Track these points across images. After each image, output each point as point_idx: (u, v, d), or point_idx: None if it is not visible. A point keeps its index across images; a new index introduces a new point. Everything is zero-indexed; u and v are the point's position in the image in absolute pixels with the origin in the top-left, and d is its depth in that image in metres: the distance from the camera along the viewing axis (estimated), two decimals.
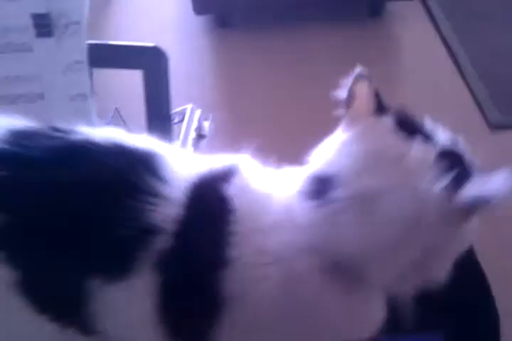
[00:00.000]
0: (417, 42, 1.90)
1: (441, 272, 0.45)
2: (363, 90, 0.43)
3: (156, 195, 0.42)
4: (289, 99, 1.58)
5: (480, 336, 0.63)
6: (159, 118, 0.61)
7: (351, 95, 0.43)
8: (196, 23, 1.87)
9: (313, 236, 0.42)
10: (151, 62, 0.68)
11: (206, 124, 1.22)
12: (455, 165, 0.42)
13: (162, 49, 0.68)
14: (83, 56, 0.60)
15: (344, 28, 1.87)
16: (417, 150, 0.41)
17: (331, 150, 0.44)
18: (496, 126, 1.64)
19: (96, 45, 0.62)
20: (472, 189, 0.39)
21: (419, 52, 1.86)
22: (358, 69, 0.44)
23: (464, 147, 0.47)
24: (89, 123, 0.49)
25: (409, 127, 0.44)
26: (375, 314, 0.48)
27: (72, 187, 0.42)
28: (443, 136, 0.47)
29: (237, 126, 1.49)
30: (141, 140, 0.47)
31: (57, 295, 0.41)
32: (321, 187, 0.42)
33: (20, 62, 0.60)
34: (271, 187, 0.46)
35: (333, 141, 0.45)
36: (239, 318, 0.42)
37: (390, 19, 1.95)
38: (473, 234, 0.45)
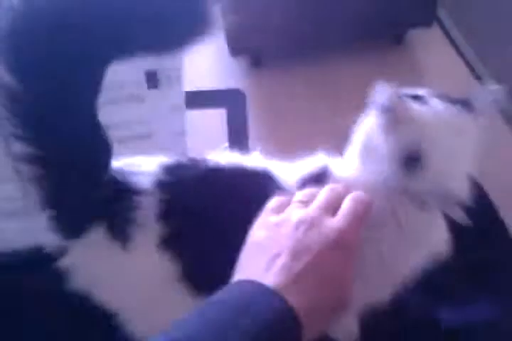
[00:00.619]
0: (440, 67, 2.02)
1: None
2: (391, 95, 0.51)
3: None
4: (326, 129, 1.71)
5: None
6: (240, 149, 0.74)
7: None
8: (232, 65, 2.03)
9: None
10: (233, 102, 0.81)
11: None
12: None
13: (242, 90, 0.82)
14: (182, 100, 0.74)
15: (370, 57, 2.01)
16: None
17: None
18: None
19: (190, 91, 0.77)
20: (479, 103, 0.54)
21: (443, 76, 1.98)
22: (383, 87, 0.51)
23: None
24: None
25: None
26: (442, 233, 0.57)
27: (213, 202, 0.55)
28: None
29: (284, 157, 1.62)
30: (251, 160, 0.60)
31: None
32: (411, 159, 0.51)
33: (132, 110, 0.74)
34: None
35: None
36: None
37: (412, 46, 2.09)
38: None
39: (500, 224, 0.81)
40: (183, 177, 0.56)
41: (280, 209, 0.50)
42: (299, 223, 0.46)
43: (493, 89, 0.55)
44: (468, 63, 1.99)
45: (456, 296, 0.74)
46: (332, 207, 0.48)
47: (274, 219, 0.48)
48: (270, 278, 0.42)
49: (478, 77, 1.92)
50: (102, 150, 0.54)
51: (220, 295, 0.42)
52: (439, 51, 2.07)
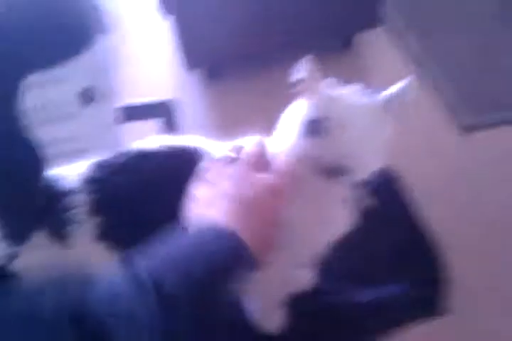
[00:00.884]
0: (388, 67, 2.10)
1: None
2: (313, 69, 0.61)
3: None
4: None
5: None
6: None
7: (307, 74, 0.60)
8: (189, 77, 2.09)
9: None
10: (169, 112, 0.88)
11: None
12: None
13: (173, 100, 0.89)
14: (115, 116, 0.81)
15: (320, 62, 2.08)
16: (348, 89, 0.61)
17: (303, 106, 0.61)
18: (467, 127, 1.85)
19: (126, 104, 0.84)
20: (388, 95, 0.60)
21: (391, 76, 2.06)
22: (307, 59, 0.61)
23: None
24: None
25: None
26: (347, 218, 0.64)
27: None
28: None
29: None
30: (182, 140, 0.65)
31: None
32: (313, 126, 0.58)
33: (68, 127, 0.81)
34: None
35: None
36: None
37: (361, 48, 2.17)
38: None
39: (409, 211, 0.88)
40: (109, 169, 0.62)
41: (215, 170, 0.59)
42: (236, 175, 0.57)
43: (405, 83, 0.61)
44: (417, 62, 2.08)
45: (369, 279, 0.81)
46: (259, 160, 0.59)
47: (211, 175, 0.58)
48: (221, 218, 0.52)
49: (427, 77, 2.00)
50: (33, 163, 0.61)
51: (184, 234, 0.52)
52: (388, 52, 2.15)
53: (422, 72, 2.02)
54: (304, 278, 0.80)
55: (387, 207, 0.86)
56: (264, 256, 0.55)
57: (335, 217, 0.64)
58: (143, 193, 0.62)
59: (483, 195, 1.66)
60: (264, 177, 0.57)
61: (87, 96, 0.78)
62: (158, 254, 0.50)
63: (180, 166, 0.64)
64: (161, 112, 0.89)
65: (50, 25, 0.53)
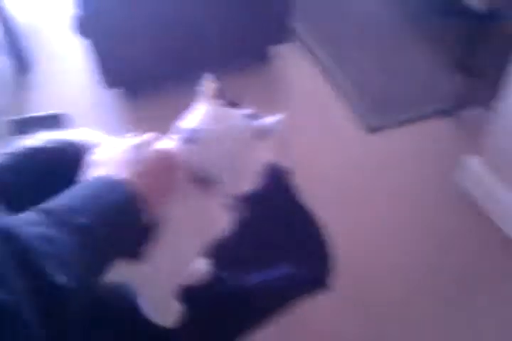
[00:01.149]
0: (303, 80, 2.23)
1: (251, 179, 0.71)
2: (210, 86, 0.72)
3: None
4: None
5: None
6: None
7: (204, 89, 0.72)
8: (107, 96, 2.12)
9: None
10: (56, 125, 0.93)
11: None
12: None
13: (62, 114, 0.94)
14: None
15: (237, 79, 2.16)
16: (234, 111, 0.70)
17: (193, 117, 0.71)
18: (373, 128, 1.99)
19: (17, 118, 0.88)
20: (259, 123, 0.68)
21: (304, 83, 2.21)
22: (207, 77, 0.72)
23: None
24: None
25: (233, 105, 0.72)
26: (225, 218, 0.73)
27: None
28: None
29: None
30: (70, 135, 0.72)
31: None
32: (191, 134, 0.69)
33: None
34: None
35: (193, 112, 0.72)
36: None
37: (276, 62, 2.28)
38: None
39: (294, 200, 0.98)
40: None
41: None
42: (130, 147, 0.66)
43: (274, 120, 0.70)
44: (329, 73, 2.22)
45: (260, 263, 0.88)
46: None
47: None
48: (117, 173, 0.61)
49: (339, 88, 2.15)
50: None
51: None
52: (300, 65, 2.29)
53: (332, 81, 2.17)
54: (198, 269, 0.86)
55: (274, 196, 0.93)
56: (158, 207, 0.64)
57: (212, 218, 0.72)
58: (33, 190, 0.66)
59: (378, 186, 1.80)
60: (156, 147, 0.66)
61: None
62: (62, 198, 0.57)
63: (67, 160, 0.69)
64: (52, 124, 0.94)
65: None
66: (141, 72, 2.07)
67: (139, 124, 1.90)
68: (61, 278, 0.49)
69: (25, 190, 0.68)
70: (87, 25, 1.89)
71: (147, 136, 0.70)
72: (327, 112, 2.07)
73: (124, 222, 0.59)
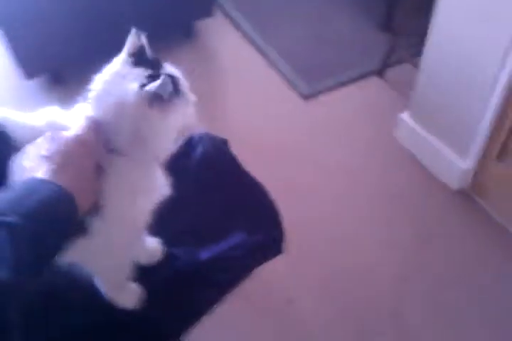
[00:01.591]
0: (231, 52, 2.22)
1: (164, 146, 0.70)
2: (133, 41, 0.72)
3: None
4: None
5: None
6: None
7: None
8: (30, 86, 2.03)
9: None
10: None
11: None
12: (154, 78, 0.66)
13: None
14: None
15: (166, 55, 2.12)
16: (135, 71, 0.68)
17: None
18: (306, 96, 2.01)
19: None
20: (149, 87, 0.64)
21: (234, 56, 2.19)
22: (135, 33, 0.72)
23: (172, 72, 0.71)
24: None
25: (144, 62, 0.70)
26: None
27: None
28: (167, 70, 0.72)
29: None
30: None
31: None
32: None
33: None
34: None
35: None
36: None
37: (202, 36, 2.26)
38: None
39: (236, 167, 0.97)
40: None
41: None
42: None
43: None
44: (251, 40, 2.21)
45: (210, 234, 0.88)
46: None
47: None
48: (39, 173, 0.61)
49: (266, 56, 2.14)
50: None
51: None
52: (227, 38, 2.26)
53: (261, 52, 2.16)
54: (150, 247, 0.84)
55: (216, 166, 0.92)
56: (87, 202, 0.64)
57: (148, 185, 0.71)
58: None
59: (322, 149, 1.84)
60: (67, 134, 0.66)
61: None
62: None
63: None
64: None
65: None
66: (61, 56, 1.96)
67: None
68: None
69: None
70: None
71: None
72: (260, 83, 2.07)
73: (55, 217, 0.59)
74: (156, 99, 0.65)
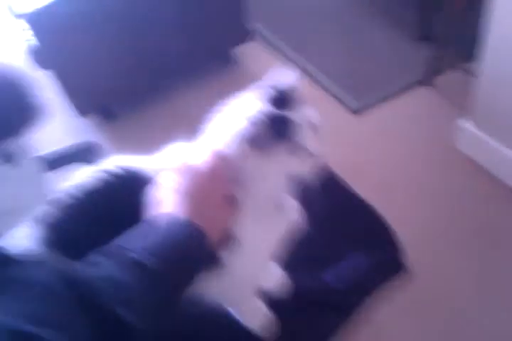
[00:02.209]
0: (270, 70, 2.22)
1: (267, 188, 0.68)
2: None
3: None
4: None
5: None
6: None
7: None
8: (85, 123, 2.06)
9: None
10: (90, 153, 0.88)
11: None
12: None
13: (93, 141, 0.89)
14: (40, 167, 0.80)
15: (209, 82, 2.16)
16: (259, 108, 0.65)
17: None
18: (356, 111, 2.01)
19: (47, 154, 0.83)
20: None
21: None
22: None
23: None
24: None
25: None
26: None
27: None
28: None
29: None
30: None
31: None
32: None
33: None
34: None
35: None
36: None
37: (242, 61, 2.29)
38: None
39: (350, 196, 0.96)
40: (61, 222, 0.63)
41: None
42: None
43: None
44: (294, 63, 2.22)
45: (332, 258, 0.87)
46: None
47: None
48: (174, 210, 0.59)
49: (308, 75, 2.15)
50: None
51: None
52: (267, 60, 2.28)
53: (302, 71, 2.17)
54: (272, 273, 0.83)
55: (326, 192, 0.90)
56: (221, 238, 0.62)
57: (281, 220, 0.71)
58: (99, 227, 0.63)
59: (382, 163, 1.82)
60: (198, 167, 0.64)
61: (7, 154, 0.77)
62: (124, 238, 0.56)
63: (125, 191, 0.66)
64: (84, 155, 0.89)
65: None
66: (111, 93, 2.01)
67: (124, 144, 1.89)
68: (131, 318, 0.48)
69: (84, 234, 0.65)
70: (45, 56, 1.82)
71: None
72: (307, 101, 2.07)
73: (190, 257, 0.58)
74: (257, 140, 0.63)
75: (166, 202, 0.61)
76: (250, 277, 0.71)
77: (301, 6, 2.51)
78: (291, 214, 0.73)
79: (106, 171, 0.67)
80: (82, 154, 0.90)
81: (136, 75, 2.02)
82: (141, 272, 0.52)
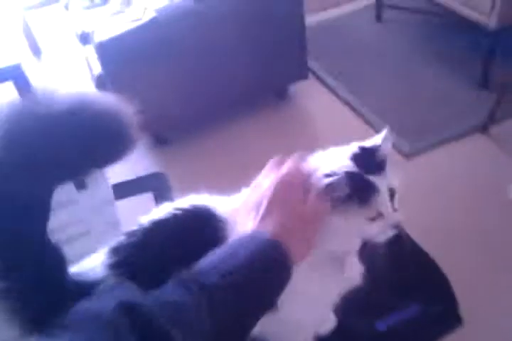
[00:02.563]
0: (326, 113, 2.26)
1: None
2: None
3: None
4: None
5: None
6: None
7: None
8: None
9: None
10: (157, 185, 0.92)
11: None
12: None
13: (162, 172, 0.93)
14: (110, 194, 0.83)
15: (262, 118, 2.21)
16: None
17: None
18: (408, 155, 1.99)
19: (115, 183, 0.86)
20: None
21: (329, 117, 2.23)
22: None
23: None
24: None
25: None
26: None
27: None
28: None
29: None
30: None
31: None
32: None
33: (68, 212, 0.82)
34: None
35: None
36: None
37: (296, 98, 2.33)
38: None
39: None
40: (128, 250, 0.64)
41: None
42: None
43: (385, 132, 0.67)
44: (348, 104, 2.25)
45: (387, 307, 0.85)
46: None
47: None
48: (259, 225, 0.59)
49: (361, 116, 2.17)
50: (57, 262, 0.60)
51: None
52: (321, 98, 2.32)
53: (355, 114, 2.19)
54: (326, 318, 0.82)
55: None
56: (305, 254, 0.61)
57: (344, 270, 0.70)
58: (167, 262, 0.64)
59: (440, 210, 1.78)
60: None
61: (81, 181, 0.80)
62: (208, 263, 0.55)
63: (193, 227, 0.67)
64: (152, 185, 0.92)
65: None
66: (167, 119, 2.07)
67: (173, 168, 1.92)
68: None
69: (159, 265, 0.64)
70: (108, 84, 1.91)
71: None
72: (353, 137, 2.07)
73: (269, 281, 0.57)
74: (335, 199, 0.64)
75: (244, 224, 0.61)
76: (310, 323, 0.71)
77: (360, 47, 2.55)
78: (352, 273, 0.72)
79: (182, 209, 0.69)
80: (151, 184, 0.92)
81: (193, 104, 2.08)
82: (206, 298, 0.51)
